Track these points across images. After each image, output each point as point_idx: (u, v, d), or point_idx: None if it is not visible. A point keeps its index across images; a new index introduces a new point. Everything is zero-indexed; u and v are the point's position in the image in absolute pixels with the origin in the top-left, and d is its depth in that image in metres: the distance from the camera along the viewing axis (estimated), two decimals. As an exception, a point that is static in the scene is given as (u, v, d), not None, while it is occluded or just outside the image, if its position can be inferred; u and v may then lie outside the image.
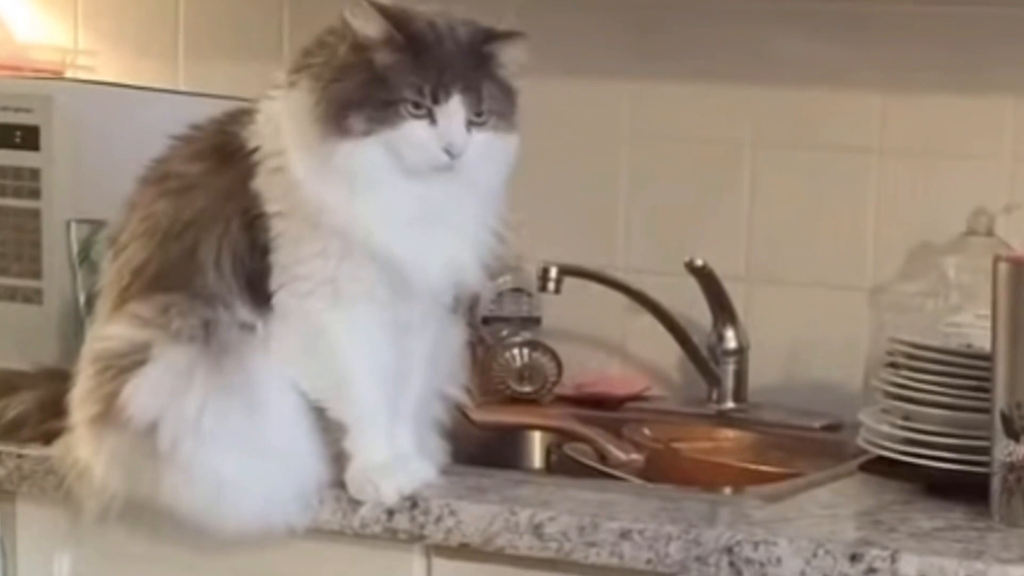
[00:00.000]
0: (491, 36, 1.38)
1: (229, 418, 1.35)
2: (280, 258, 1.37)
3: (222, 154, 1.40)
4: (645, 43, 1.97)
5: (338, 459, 1.41)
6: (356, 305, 1.37)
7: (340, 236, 1.35)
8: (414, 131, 1.33)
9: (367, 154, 1.33)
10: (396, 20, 1.33)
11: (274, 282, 1.38)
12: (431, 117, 1.34)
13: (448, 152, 1.34)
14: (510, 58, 1.39)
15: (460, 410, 1.52)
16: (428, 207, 1.36)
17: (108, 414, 1.36)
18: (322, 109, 1.33)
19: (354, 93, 1.32)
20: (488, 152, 1.37)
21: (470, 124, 1.35)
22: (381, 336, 1.39)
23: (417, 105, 1.33)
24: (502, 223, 1.42)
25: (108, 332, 1.40)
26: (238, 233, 1.38)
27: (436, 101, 1.33)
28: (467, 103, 1.35)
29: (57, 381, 1.49)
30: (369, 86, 1.32)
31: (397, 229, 1.35)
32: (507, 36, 1.39)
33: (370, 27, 1.33)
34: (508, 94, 1.39)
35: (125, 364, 1.36)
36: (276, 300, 1.38)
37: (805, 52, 1.92)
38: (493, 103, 1.37)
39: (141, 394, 1.35)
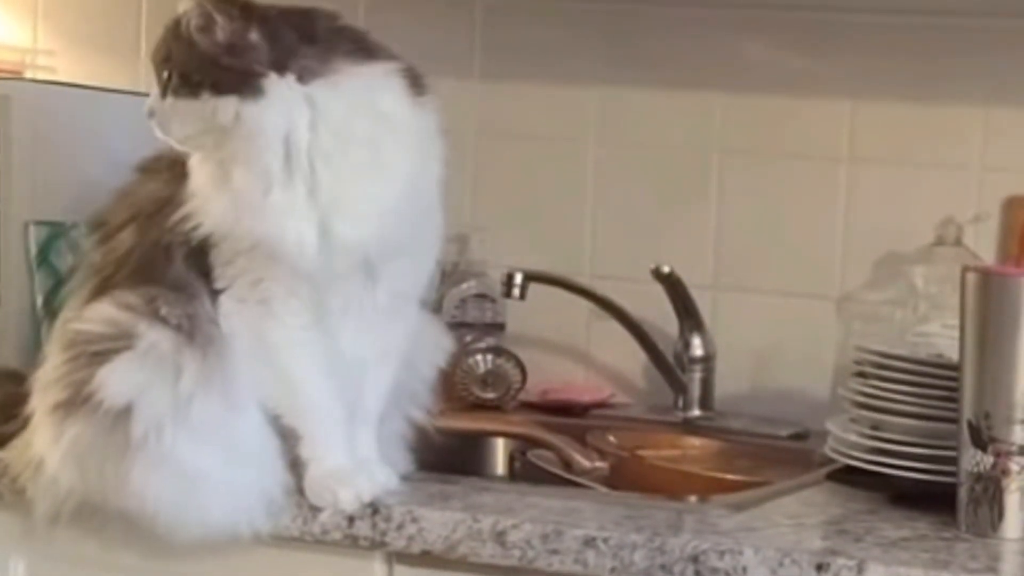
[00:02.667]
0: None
1: (212, 415, 1.34)
2: (215, 258, 1.37)
3: None
4: (612, 50, 1.97)
5: (296, 466, 1.39)
6: (287, 306, 1.36)
7: (227, 235, 1.35)
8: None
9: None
10: None
11: (217, 282, 1.37)
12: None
13: (148, 115, 1.37)
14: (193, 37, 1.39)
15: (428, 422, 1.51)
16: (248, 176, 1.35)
17: (75, 401, 1.34)
18: None
19: None
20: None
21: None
22: (317, 336, 1.37)
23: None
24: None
25: (88, 314, 1.38)
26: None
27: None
28: (163, 76, 1.37)
29: (12, 383, 1.47)
30: None
31: (251, 208, 1.34)
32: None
33: None
34: None
35: (102, 349, 1.34)
36: (221, 302, 1.37)
37: (773, 60, 1.92)
38: None
39: (118, 377, 1.33)
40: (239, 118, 1.32)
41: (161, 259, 1.37)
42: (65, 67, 2.10)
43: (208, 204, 1.35)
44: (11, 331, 1.67)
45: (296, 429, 1.38)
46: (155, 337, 1.34)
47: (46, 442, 1.37)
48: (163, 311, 1.35)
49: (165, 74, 1.35)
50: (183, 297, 1.36)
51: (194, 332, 1.35)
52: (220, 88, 1.32)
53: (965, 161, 1.85)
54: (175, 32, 1.35)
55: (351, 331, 1.39)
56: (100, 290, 1.39)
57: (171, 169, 1.39)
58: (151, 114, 1.36)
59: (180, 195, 1.37)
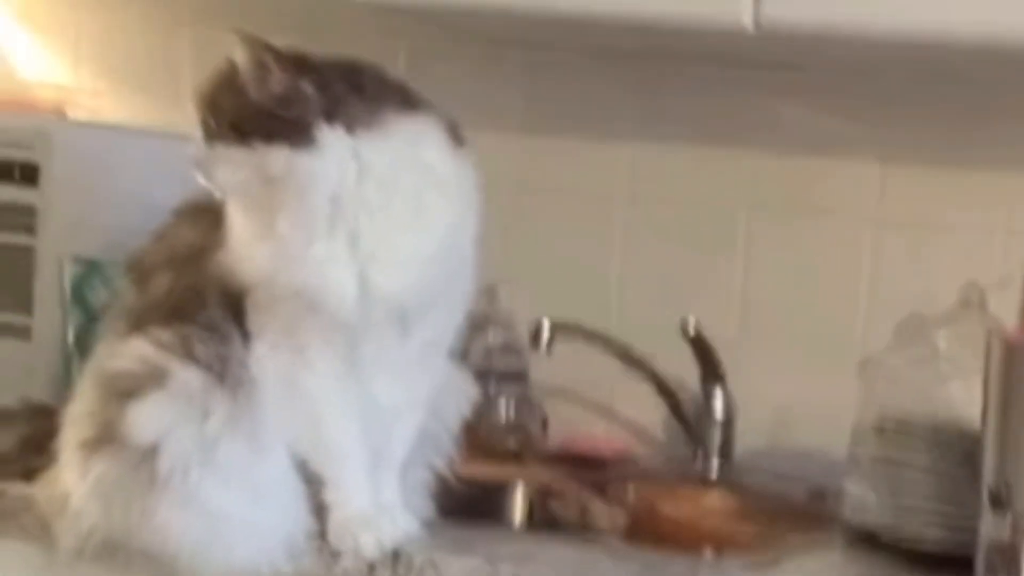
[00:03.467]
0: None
1: (238, 457, 1.35)
2: (251, 304, 1.38)
3: None
4: (645, 107, 1.98)
5: (320, 510, 1.40)
6: (322, 353, 1.37)
7: (265, 285, 1.36)
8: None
9: None
10: None
11: (252, 328, 1.38)
12: None
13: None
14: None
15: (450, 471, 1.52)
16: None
17: (103, 437, 1.35)
18: None
19: None
20: None
21: None
22: (349, 384, 1.38)
23: None
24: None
25: (123, 351, 1.39)
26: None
27: None
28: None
29: (42, 418, 1.48)
30: None
31: (292, 256, 1.35)
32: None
33: None
34: None
35: (133, 387, 1.35)
36: (254, 348, 1.38)
37: (804, 121, 1.93)
38: None
39: (147, 415, 1.33)
40: (290, 168, 1.33)
41: (196, 301, 1.38)
42: (106, 107, 2.11)
43: (249, 251, 1.35)
44: (42, 366, 1.69)
45: (322, 474, 1.39)
46: (186, 376, 1.35)
47: (73, 478, 1.37)
48: (196, 350, 1.35)
49: (212, 121, 1.36)
50: (216, 338, 1.37)
51: (225, 374, 1.35)
52: (272, 137, 1.33)
53: (991, 226, 1.86)
54: (227, 80, 1.36)
55: (382, 379, 1.40)
56: (134, 329, 1.40)
57: (209, 214, 1.40)
58: (195, 161, 1.37)
59: (217, 241, 1.38)
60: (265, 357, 1.38)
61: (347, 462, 1.39)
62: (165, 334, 1.37)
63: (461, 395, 1.51)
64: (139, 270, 1.44)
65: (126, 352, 1.38)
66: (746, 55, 1.86)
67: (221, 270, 1.37)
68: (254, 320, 1.38)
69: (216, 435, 1.34)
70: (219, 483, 1.34)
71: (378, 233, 1.34)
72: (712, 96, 1.96)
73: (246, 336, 1.38)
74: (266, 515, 1.37)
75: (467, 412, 1.51)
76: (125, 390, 1.35)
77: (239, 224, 1.37)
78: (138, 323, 1.40)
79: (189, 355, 1.35)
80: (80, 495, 1.37)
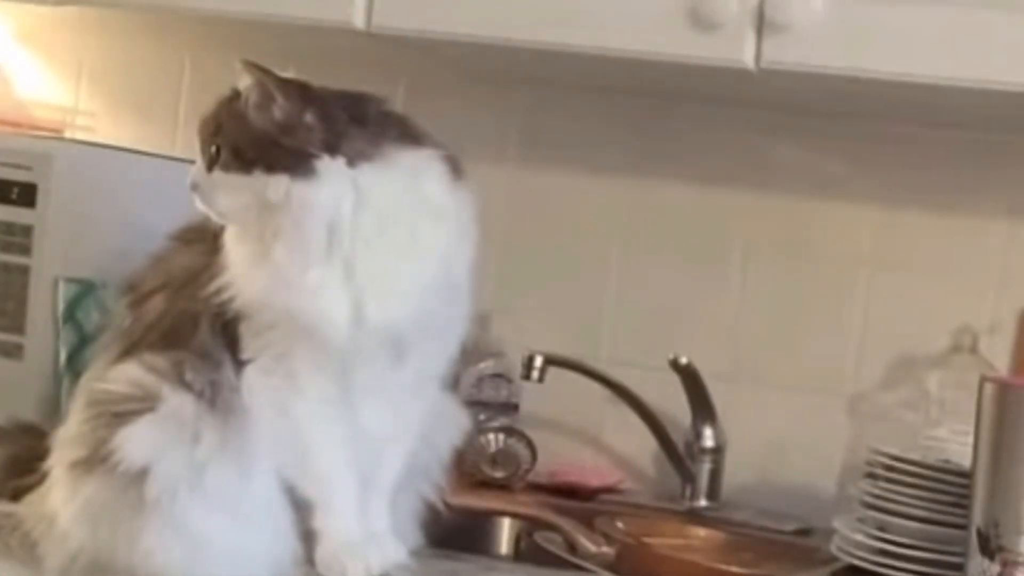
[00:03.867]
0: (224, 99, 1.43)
1: (226, 483, 1.34)
2: (244, 329, 1.38)
3: None
4: (642, 143, 1.99)
5: (308, 537, 1.40)
6: (314, 380, 1.37)
7: (259, 309, 1.36)
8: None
9: None
10: None
11: (245, 354, 1.38)
12: None
13: (191, 188, 1.40)
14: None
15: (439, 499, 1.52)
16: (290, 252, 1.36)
17: (93, 459, 1.34)
18: None
19: None
20: None
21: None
22: (341, 410, 1.38)
23: None
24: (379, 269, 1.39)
25: (114, 375, 1.38)
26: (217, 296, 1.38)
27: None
28: (207, 153, 1.40)
29: (31, 437, 1.48)
30: None
31: (288, 281, 1.34)
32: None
33: None
34: None
35: (124, 410, 1.35)
36: (246, 373, 1.38)
37: (799, 162, 1.94)
38: None
39: (137, 439, 1.33)
40: (289, 196, 1.33)
41: (189, 326, 1.38)
42: (104, 129, 2.12)
43: (245, 277, 1.36)
44: (33, 385, 1.68)
45: (311, 500, 1.39)
46: (177, 401, 1.34)
47: (61, 498, 1.37)
48: (188, 376, 1.35)
49: (213, 148, 1.36)
50: (208, 364, 1.36)
51: (216, 399, 1.35)
52: (273, 166, 1.33)
53: (984, 271, 1.87)
54: (229, 107, 1.37)
55: (374, 406, 1.40)
56: (127, 352, 1.40)
57: (205, 239, 1.40)
58: (194, 186, 1.37)
59: (213, 266, 1.38)
60: (257, 383, 1.37)
61: (336, 489, 1.39)
62: (158, 359, 1.37)
63: (453, 424, 1.51)
64: (135, 293, 1.44)
65: (119, 375, 1.38)
66: (744, 95, 1.87)
67: (217, 295, 1.37)
68: (248, 345, 1.38)
69: (205, 460, 1.34)
70: (206, 508, 1.34)
71: (373, 262, 1.35)
72: (709, 135, 1.97)
73: (239, 362, 1.38)
74: (252, 541, 1.36)
75: (458, 442, 1.51)
76: (116, 413, 1.35)
77: (236, 249, 1.37)
78: (132, 347, 1.40)
79: (181, 380, 1.35)
80: (67, 516, 1.36)
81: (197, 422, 1.34)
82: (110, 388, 1.37)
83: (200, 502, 1.33)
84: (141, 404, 1.35)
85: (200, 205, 1.37)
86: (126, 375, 1.37)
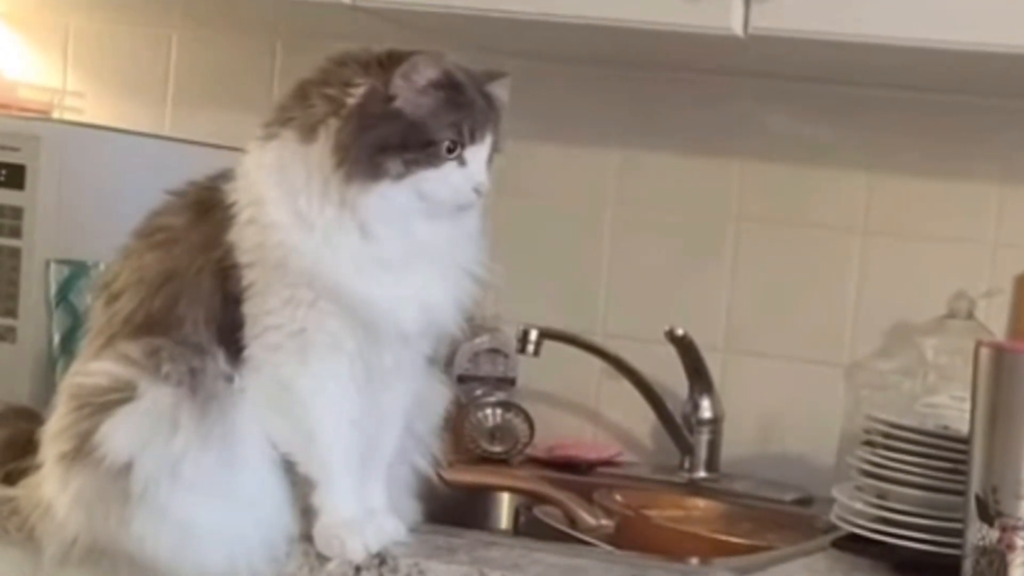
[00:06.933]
0: (491, 76, 1.41)
1: (207, 469, 1.34)
2: (251, 309, 1.37)
3: (203, 208, 1.40)
4: (634, 115, 1.99)
5: (307, 513, 1.40)
6: (325, 358, 1.37)
7: (308, 282, 1.35)
8: (450, 172, 1.35)
9: (399, 197, 1.34)
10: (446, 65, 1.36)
11: (247, 334, 1.38)
12: (460, 158, 1.35)
13: (477, 192, 1.36)
14: (503, 97, 1.41)
15: (434, 471, 1.52)
16: (412, 248, 1.36)
17: (80, 451, 1.35)
18: (352, 154, 1.33)
19: (389, 138, 1.33)
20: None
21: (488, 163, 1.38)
22: (351, 390, 1.38)
23: (451, 147, 1.35)
24: (482, 266, 1.42)
25: (92, 368, 1.39)
26: (210, 285, 1.37)
27: (473, 140, 1.35)
28: (491, 142, 1.37)
29: (25, 420, 1.48)
30: (404, 131, 1.34)
31: (369, 271, 1.35)
32: (502, 75, 1.42)
33: (427, 74, 1.34)
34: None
35: (104, 402, 1.35)
36: (248, 353, 1.37)
37: (794, 130, 1.94)
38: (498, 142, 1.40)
39: (119, 433, 1.34)
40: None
41: (169, 316, 1.38)
42: (92, 109, 2.12)
43: (313, 247, 1.34)
44: (27, 369, 1.68)
45: (311, 477, 1.39)
46: (155, 395, 1.34)
47: (54, 489, 1.38)
48: (164, 368, 1.35)
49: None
50: (189, 352, 1.36)
51: (196, 388, 1.35)
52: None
53: (979, 236, 1.86)
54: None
55: (374, 386, 1.40)
56: (105, 346, 1.40)
57: (176, 238, 1.40)
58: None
59: (213, 245, 1.37)
60: (261, 359, 1.37)
61: (337, 467, 1.39)
62: (134, 348, 1.37)
63: (438, 395, 1.50)
64: (108, 291, 1.43)
65: (97, 368, 1.38)
66: (734, 64, 1.87)
67: (220, 272, 1.37)
68: (256, 320, 1.37)
69: (184, 449, 1.34)
70: (190, 495, 1.34)
71: (446, 260, 1.38)
72: (701, 105, 1.96)
73: (233, 345, 1.37)
74: (243, 524, 1.36)
75: (444, 412, 1.51)
76: (98, 405, 1.35)
77: (282, 213, 1.35)
78: (109, 340, 1.40)
79: (157, 371, 1.35)
80: (62, 506, 1.37)
81: (175, 413, 1.34)
82: (88, 381, 1.38)
83: (184, 490, 1.34)
84: (120, 395, 1.35)
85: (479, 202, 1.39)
86: (104, 368, 1.37)
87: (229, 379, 1.37)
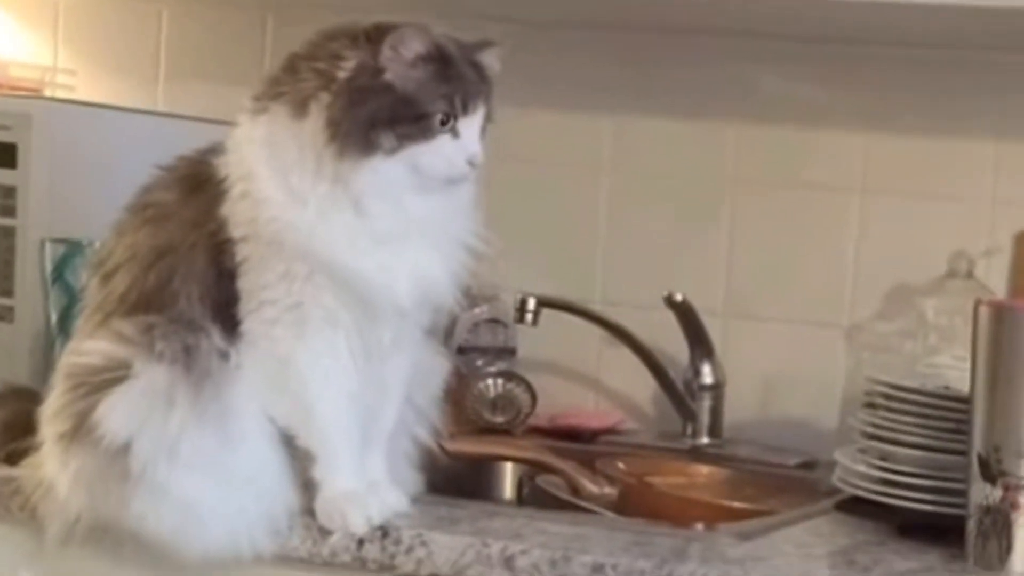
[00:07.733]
0: (482, 46, 1.40)
1: (204, 446, 1.34)
2: (246, 284, 1.37)
3: (195, 183, 1.40)
4: (628, 78, 1.98)
5: (308, 487, 1.40)
6: (322, 331, 1.37)
7: (303, 257, 1.34)
8: (443, 144, 1.34)
9: (392, 171, 1.33)
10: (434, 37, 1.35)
11: (242, 309, 1.37)
12: (454, 130, 1.34)
13: (471, 163, 1.36)
14: (494, 66, 1.40)
15: (435, 442, 1.52)
16: (406, 222, 1.36)
17: (78, 431, 1.35)
18: (343, 129, 1.32)
19: (381, 112, 1.33)
20: None
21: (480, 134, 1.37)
22: (348, 363, 1.38)
23: (444, 119, 1.34)
24: (478, 237, 1.41)
25: (87, 347, 1.38)
26: (204, 260, 1.37)
27: (465, 112, 1.35)
28: (483, 113, 1.37)
29: (25, 400, 1.48)
30: (396, 104, 1.33)
31: (363, 246, 1.35)
32: (492, 45, 1.41)
33: (414, 47, 1.33)
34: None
35: (100, 381, 1.35)
36: (244, 327, 1.37)
37: (788, 91, 1.93)
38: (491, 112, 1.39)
39: (117, 413, 1.33)
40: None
41: (163, 293, 1.37)
42: (84, 86, 2.11)
43: (308, 221, 1.34)
44: (25, 348, 1.68)
45: (311, 450, 1.39)
46: (150, 374, 1.34)
47: (55, 469, 1.38)
48: (158, 347, 1.35)
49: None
50: (183, 329, 1.36)
51: (191, 365, 1.35)
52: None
53: (977, 195, 1.86)
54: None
55: (373, 359, 1.40)
56: (100, 325, 1.40)
57: (167, 214, 1.39)
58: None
59: (206, 219, 1.37)
60: (257, 333, 1.37)
61: (337, 440, 1.39)
62: (128, 326, 1.37)
63: (437, 367, 1.50)
64: (103, 269, 1.43)
65: (92, 348, 1.38)
66: (728, 24, 1.85)
67: (213, 247, 1.36)
68: (251, 295, 1.36)
69: (181, 427, 1.34)
70: (189, 473, 1.34)
71: (441, 234, 1.37)
72: (696, 68, 1.95)
73: (228, 320, 1.37)
74: (240, 498, 1.36)
75: (443, 383, 1.51)
76: (95, 384, 1.35)
77: (274, 188, 1.35)
78: (105, 319, 1.40)
79: (151, 349, 1.35)
80: (63, 485, 1.37)
81: (171, 391, 1.34)
82: (83, 360, 1.37)
83: (183, 468, 1.34)
84: (115, 374, 1.35)
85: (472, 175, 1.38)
86: (99, 347, 1.37)
87: (224, 356, 1.37)
